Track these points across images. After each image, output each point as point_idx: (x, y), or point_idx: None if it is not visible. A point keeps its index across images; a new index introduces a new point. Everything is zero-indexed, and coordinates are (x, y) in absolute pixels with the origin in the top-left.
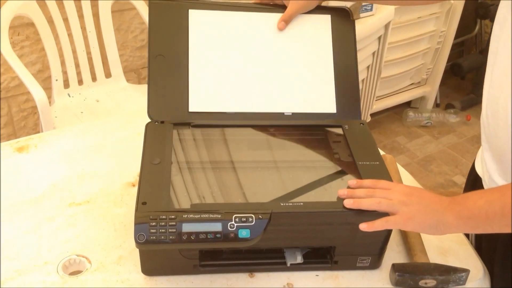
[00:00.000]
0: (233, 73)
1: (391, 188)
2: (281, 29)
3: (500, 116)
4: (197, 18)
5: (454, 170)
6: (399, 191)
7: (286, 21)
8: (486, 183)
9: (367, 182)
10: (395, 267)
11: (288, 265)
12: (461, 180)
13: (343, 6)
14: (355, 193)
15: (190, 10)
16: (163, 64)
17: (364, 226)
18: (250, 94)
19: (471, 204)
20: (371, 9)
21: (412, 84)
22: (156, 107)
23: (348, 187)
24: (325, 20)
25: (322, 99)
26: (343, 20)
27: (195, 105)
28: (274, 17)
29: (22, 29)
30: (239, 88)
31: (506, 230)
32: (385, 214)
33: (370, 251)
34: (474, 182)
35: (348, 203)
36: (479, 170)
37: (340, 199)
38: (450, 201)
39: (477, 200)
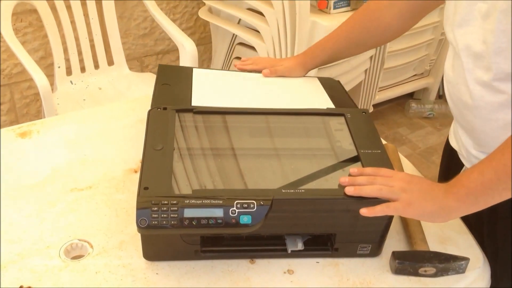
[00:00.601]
0: (234, 93)
1: (392, 176)
2: (265, 75)
3: (463, 96)
4: (200, 73)
5: None
6: (400, 179)
7: (271, 72)
8: (464, 157)
9: (368, 170)
10: (395, 255)
11: (289, 251)
12: None
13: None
14: (356, 180)
15: (194, 69)
16: (168, 88)
17: (364, 211)
18: (251, 98)
19: (465, 180)
20: (347, 4)
21: (415, 75)
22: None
23: (350, 175)
24: (313, 79)
25: (319, 103)
26: (330, 79)
27: (197, 101)
28: (270, 79)
29: (25, 15)
30: (240, 97)
31: (505, 195)
32: (386, 202)
33: (370, 239)
34: (449, 156)
35: (349, 190)
36: (454, 144)
37: (342, 186)
38: (446, 185)
39: (469, 175)
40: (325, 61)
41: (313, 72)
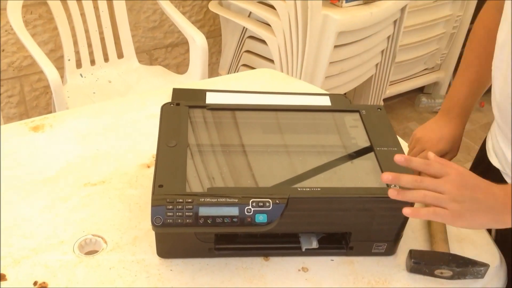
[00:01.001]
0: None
1: (444, 176)
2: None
3: None
4: (213, 95)
5: (467, 157)
6: (452, 182)
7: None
8: (510, 176)
9: (416, 162)
10: (412, 254)
11: (303, 250)
12: None
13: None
14: (401, 181)
15: (207, 93)
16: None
17: (408, 212)
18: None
19: None
20: None
21: (426, 69)
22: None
23: (393, 167)
24: (325, 97)
25: None
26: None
27: (211, 101)
28: (282, 97)
29: (35, 8)
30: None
31: None
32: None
33: (386, 238)
34: (486, 171)
35: (392, 194)
36: (495, 163)
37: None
38: (504, 195)
39: None
40: (476, 101)
41: (320, 81)
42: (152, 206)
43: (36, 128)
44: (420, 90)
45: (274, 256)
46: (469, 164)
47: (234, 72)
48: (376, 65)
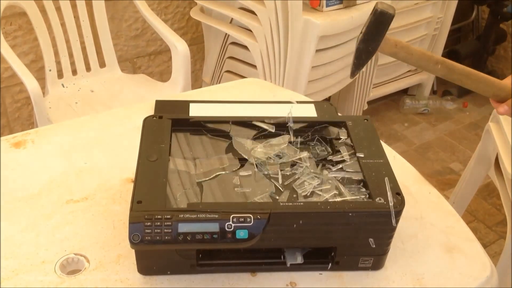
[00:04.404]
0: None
1: None
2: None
3: None
4: (196, 106)
5: (451, 157)
6: None
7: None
8: None
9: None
10: None
11: (288, 265)
12: (458, 167)
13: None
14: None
15: (190, 104)
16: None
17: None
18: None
19: None
20: (340, 2)
21: (409, 71)
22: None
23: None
24: (310, 106)
25: None
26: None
27: (194, 114)
28: (266, 106)
29: (14, 18)
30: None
31: None
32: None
33: (372, 252)
34: None
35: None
36: None
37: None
38: None
39: None
40: None
41: (303, 85)
42: (130, 222)
43: (17, 145)
44: (404, 92)
45: (260, 272)
46: (454, 164)
47: (218, 78)
48: None
